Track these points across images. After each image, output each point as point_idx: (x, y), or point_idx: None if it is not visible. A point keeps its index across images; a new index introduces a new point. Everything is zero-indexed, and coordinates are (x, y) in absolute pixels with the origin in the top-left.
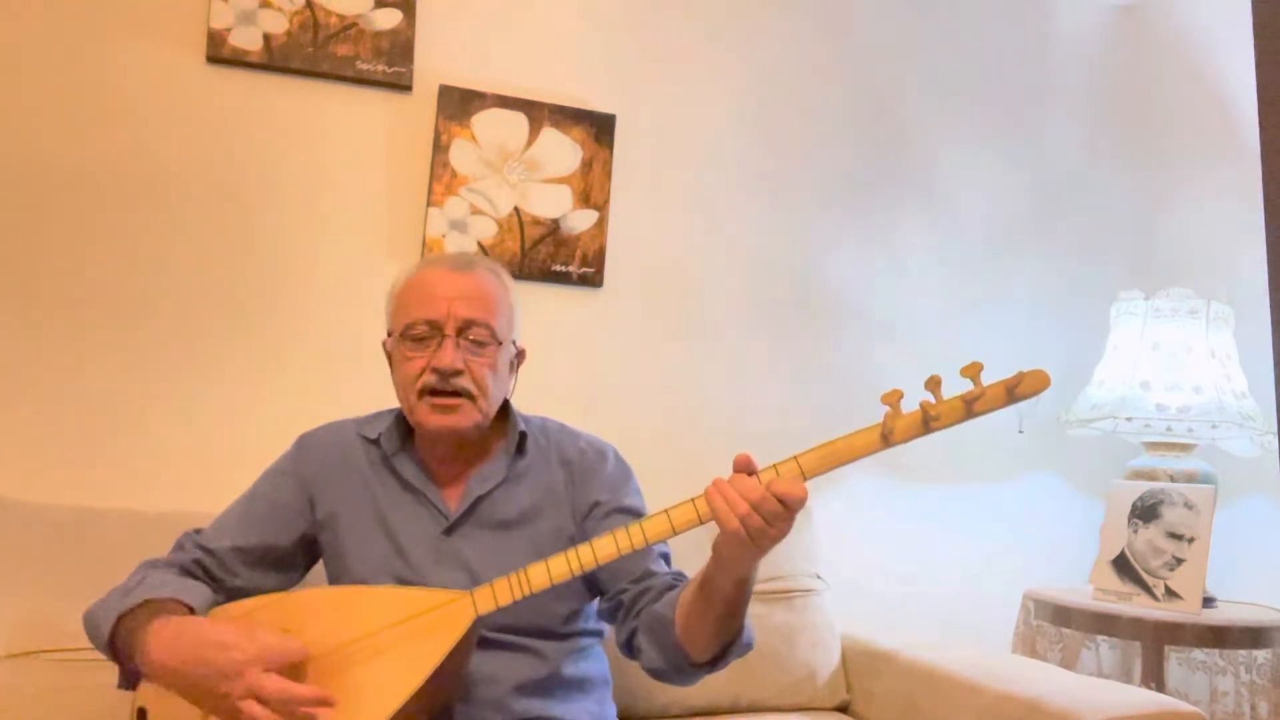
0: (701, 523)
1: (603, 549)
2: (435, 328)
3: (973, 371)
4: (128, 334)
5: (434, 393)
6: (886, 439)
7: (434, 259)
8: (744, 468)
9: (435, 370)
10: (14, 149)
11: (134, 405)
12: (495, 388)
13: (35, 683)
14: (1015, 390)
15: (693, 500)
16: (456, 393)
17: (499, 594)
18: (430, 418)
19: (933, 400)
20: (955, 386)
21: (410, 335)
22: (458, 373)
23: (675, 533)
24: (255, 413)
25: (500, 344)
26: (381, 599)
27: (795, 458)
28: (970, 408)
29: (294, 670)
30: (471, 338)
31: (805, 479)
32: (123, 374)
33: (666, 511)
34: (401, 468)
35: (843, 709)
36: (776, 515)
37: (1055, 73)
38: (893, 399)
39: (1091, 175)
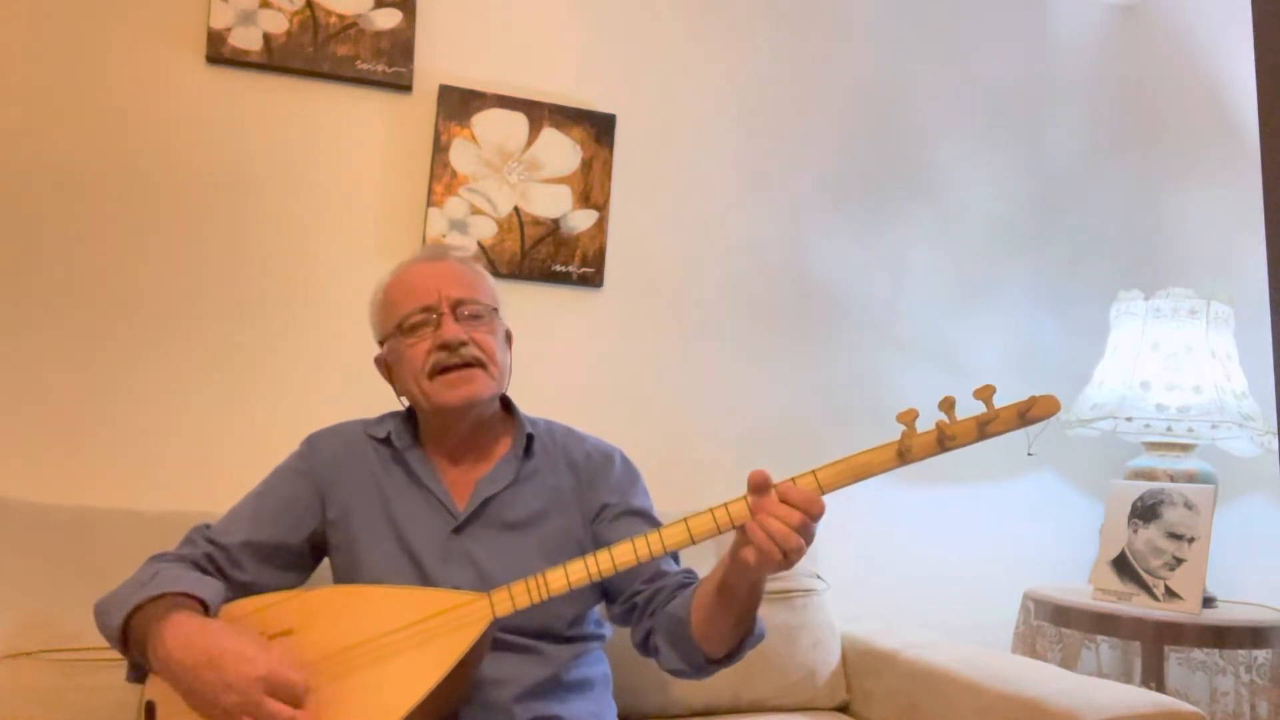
0: (720, 533)
1: (621, 556)
2: (430, 311)
3: (985, 394)
4: (127, 334)
5: (445, 370)
6: (903, 456)
7: (405, 261)
8: (763, 486)
9: (443, 346)
10: (14, 149)
11: (134, 405)
12: (503, 359)
13: (35, 683)
14: (1027, 414)
15: (711, 511)
16: (468, 364)
17: (516, 598)
18: (448, 393)
19: (947, 421)
20: (966, 406)
21: (407, 326)
22: (464, 343)
23: (694, 542)
24: (255, 413)
25: (495, 318)
26: (397, 599)
27: (813, 472)
28: (984, 430)
29: (304, 673)
30: (467, 313)
31: (822, 493)
32: (123, 374)
33: (686, 521)
34: (413, 464)
35: (843, 709)
36: (811, 534)
37: (1055, 73)
38: (908, 418)
39: (1091, 175)
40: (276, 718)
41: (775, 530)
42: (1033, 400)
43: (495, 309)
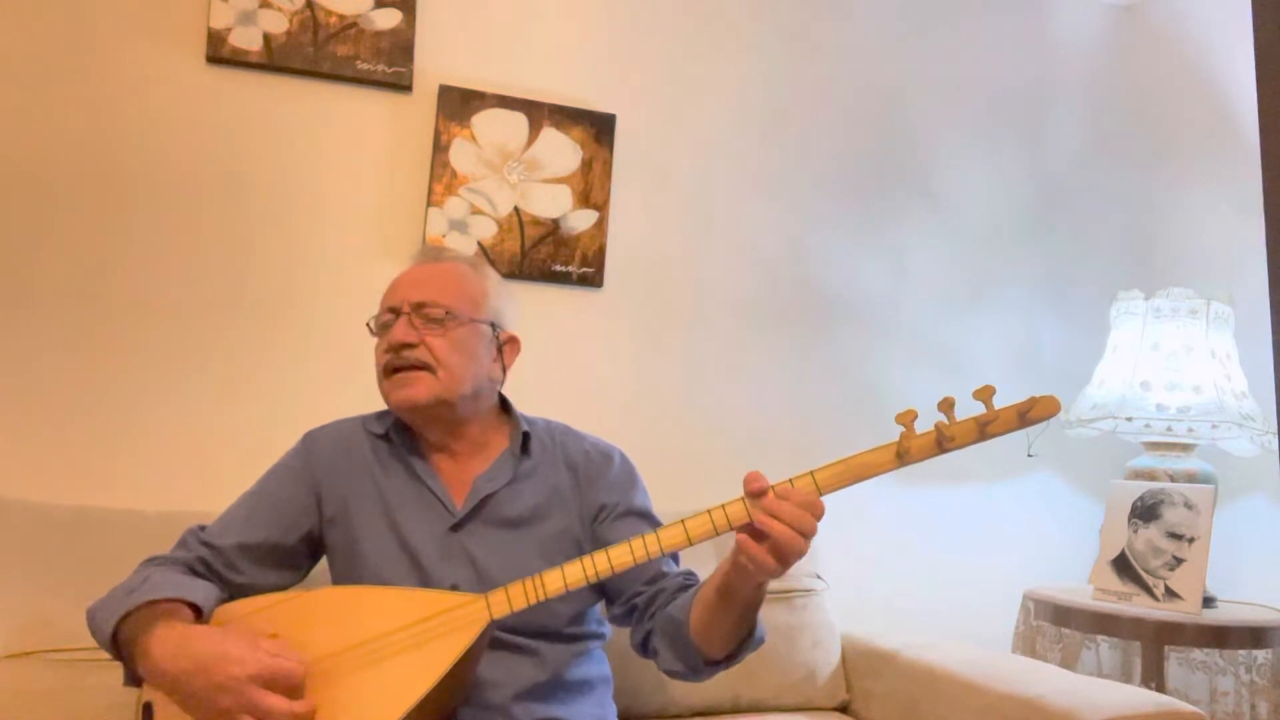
0: (718, 535)
1: (618, 557)
2: (394, 313)
3: (985, 394)
4: (128, 334)
5: (395, 371)
6: (902, 458)
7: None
8: (759, 492)
9: (390, 347)
10: (14, 149)
11: (134, 405)
12: (461, 363)
13: (35, 683)
14: (1027, 415)
15: (709, 513)
16: (414, 366)
17: (513, 599)
18: (392, 394)
19: (947, 422)
20: (966, 407)
21: (376, 327)
22: (409, 345)
23: (691, 544)
24: (256, 412)
25: (462, 321)
26: (393, 601)
27: (811, 473)
28: (983, 430)
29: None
30: (426, 315)
31: (820, 494)
32: (123, 374)
33: (683, 523)
34: (412, 461)
35: (843, 709)
36: (812, 533)
37: (1055, 73)
38: (907, 419)
39: (1091, 175)
40: (275, 711)
41: (780, 534)
42: (1033, 401)
43: (458, 313)
